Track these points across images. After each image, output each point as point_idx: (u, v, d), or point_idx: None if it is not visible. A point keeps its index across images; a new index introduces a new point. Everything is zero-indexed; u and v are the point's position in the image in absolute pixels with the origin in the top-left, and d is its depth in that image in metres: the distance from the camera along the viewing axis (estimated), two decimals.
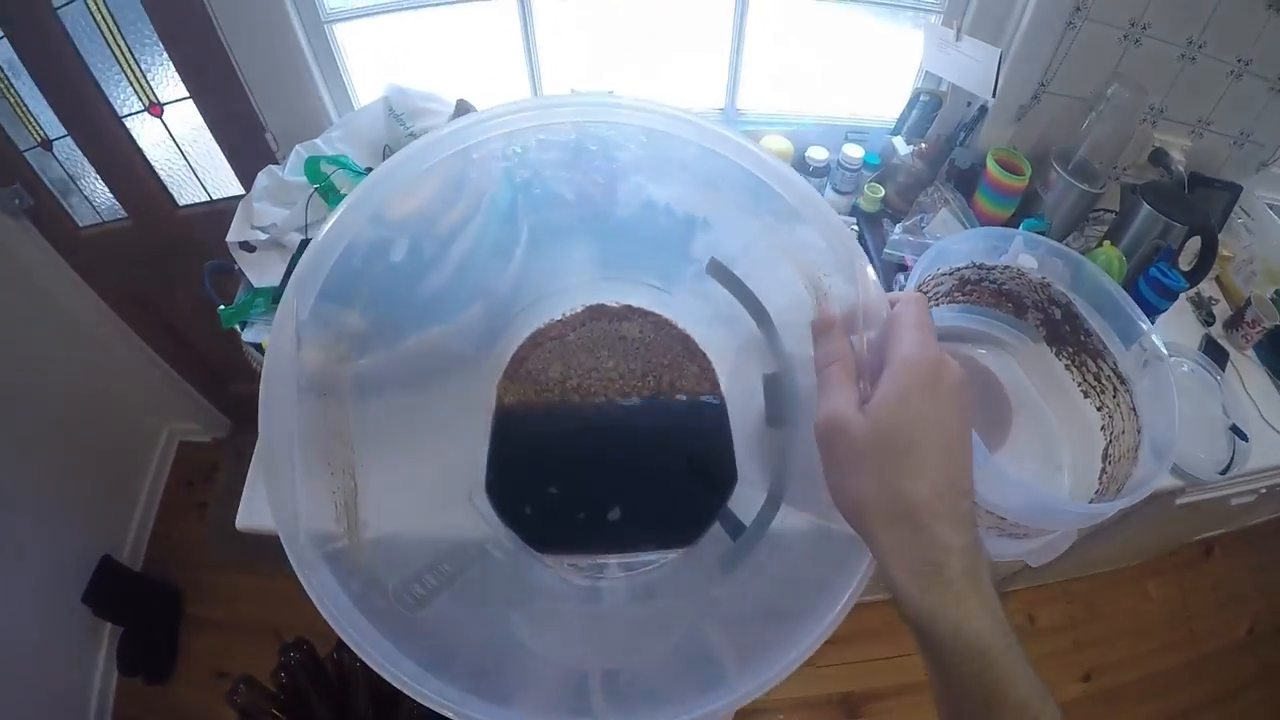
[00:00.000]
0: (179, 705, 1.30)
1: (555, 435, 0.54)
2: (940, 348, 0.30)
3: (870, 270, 0.34)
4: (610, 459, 0.54)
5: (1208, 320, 1.04)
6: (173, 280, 1.20)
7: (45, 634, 1.23)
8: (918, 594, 0.27)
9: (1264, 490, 1.00)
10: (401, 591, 0.37)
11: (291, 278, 0.36)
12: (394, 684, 0.31)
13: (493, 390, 0.56)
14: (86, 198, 1.12)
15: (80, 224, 1.14)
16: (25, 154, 1.04)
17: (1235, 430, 0.89)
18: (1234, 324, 1.02)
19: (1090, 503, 0.69)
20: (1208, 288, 1.06)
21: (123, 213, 1.13)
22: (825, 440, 0.30)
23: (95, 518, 1.38)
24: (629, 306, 0.57)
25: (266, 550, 0.74)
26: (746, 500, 0.48)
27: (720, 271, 0.47)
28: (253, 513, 0.69)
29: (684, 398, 0.55)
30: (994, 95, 0.89)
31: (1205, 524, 1.36)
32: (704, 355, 0.56)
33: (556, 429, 0.54)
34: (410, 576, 0.39)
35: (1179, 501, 0.95)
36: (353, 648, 0.31)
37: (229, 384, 1.51)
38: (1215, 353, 0.99)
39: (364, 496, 0.39)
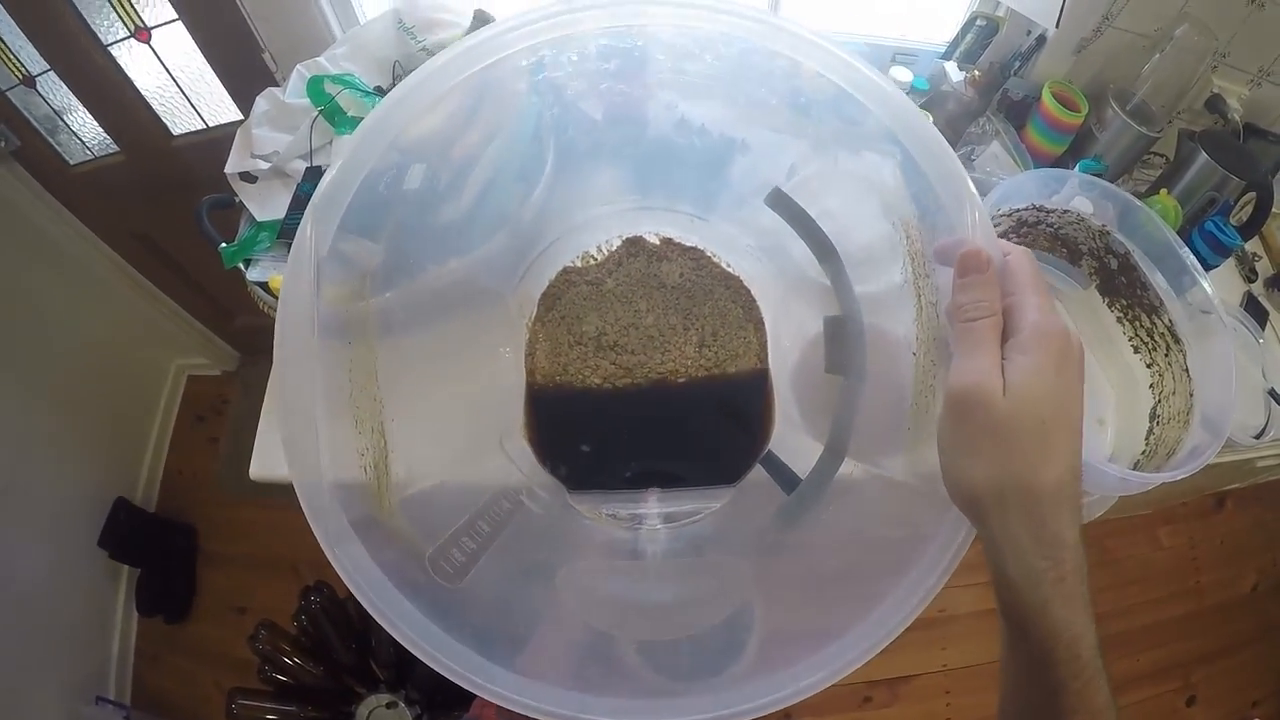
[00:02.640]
0: (199, 642, 1.33)
1: (590, 397, 0.50)
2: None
3: (984, 210, 0.30)
4: (646, 409, 0.51)
5: (1250, 276, 1.00)
6: (171, 213, 1.15)
7: (63, 581, 1.22)
8: (1029, 589, 0.26)
9: None
10: (439, 560, 0.35)
11: (308, 208, 0.32)
12: (446, 674, 0.29)
13: (523, 330, 0.52)
14: (75, 134, 1.06)
15: (71, 161, 1.09)
16: (7, 93, 0.97)
17: (1273, 394, 0.87)
18: (1275, 283, 0.98)
19: (1136, 465, 0.67)
20: (1250, 243, 1.02)
21: (114, 147, 1.07)
22: (961, 409, 0.27)
23: (107, 459, 1.37)
24: (668, 241, 0.53)
25: (280, 486, 0.73)
26: (799, 450, 0.45)
27: (782, 202, 0.43)
28: (268, 462, 0.64)
29: (725, 350, 0.52)
30: (1057, 25, 0.82)
31: (1223, 479, 1.35)
32: (749, 293, 0.52)
33: (592, 395, 0.50)
34: (448, 541, 0.36)
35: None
36: (392, 633, 0.29)
37: (235, 316, 1.46)
38: (1256, 311, 0.95)
39: (395, 454, 0.36)
